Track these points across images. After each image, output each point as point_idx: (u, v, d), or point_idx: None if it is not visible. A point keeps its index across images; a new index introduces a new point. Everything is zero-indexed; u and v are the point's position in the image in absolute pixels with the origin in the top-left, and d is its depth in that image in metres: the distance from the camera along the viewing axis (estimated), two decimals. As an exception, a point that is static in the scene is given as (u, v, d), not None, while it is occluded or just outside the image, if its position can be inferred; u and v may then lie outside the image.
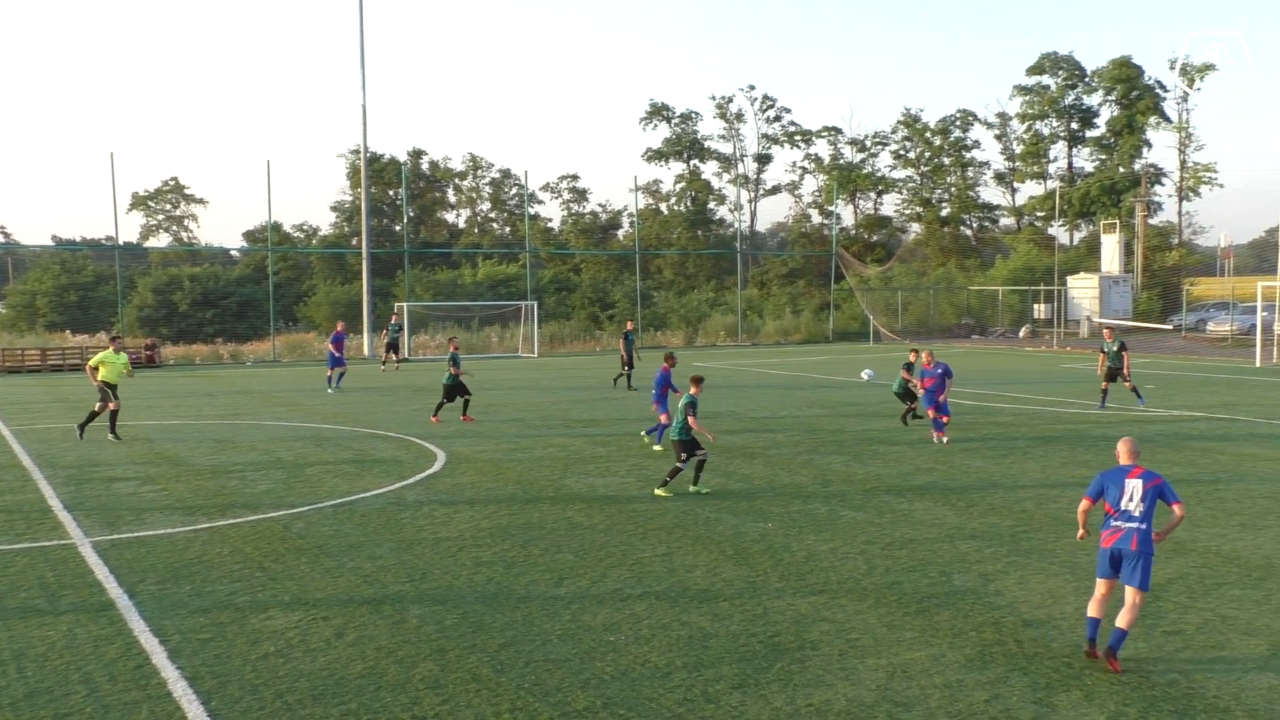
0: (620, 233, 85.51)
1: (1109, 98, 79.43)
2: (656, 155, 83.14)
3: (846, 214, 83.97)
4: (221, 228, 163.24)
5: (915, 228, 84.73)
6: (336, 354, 31.70)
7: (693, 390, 15.64)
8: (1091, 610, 8.59)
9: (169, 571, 11.34)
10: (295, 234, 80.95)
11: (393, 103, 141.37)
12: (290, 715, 7.57)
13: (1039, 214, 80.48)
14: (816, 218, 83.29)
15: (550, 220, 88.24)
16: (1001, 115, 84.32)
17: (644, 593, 10.42)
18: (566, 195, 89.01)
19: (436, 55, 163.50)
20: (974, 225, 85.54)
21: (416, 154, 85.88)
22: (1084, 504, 9.02)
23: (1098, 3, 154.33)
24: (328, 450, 19.82)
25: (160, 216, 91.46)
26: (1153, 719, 7.38)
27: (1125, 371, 24.26)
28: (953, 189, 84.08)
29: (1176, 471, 16.71)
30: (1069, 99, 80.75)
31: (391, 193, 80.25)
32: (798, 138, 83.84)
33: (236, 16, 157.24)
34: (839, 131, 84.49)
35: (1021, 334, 58.75)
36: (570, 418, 24.40)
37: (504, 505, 14.66)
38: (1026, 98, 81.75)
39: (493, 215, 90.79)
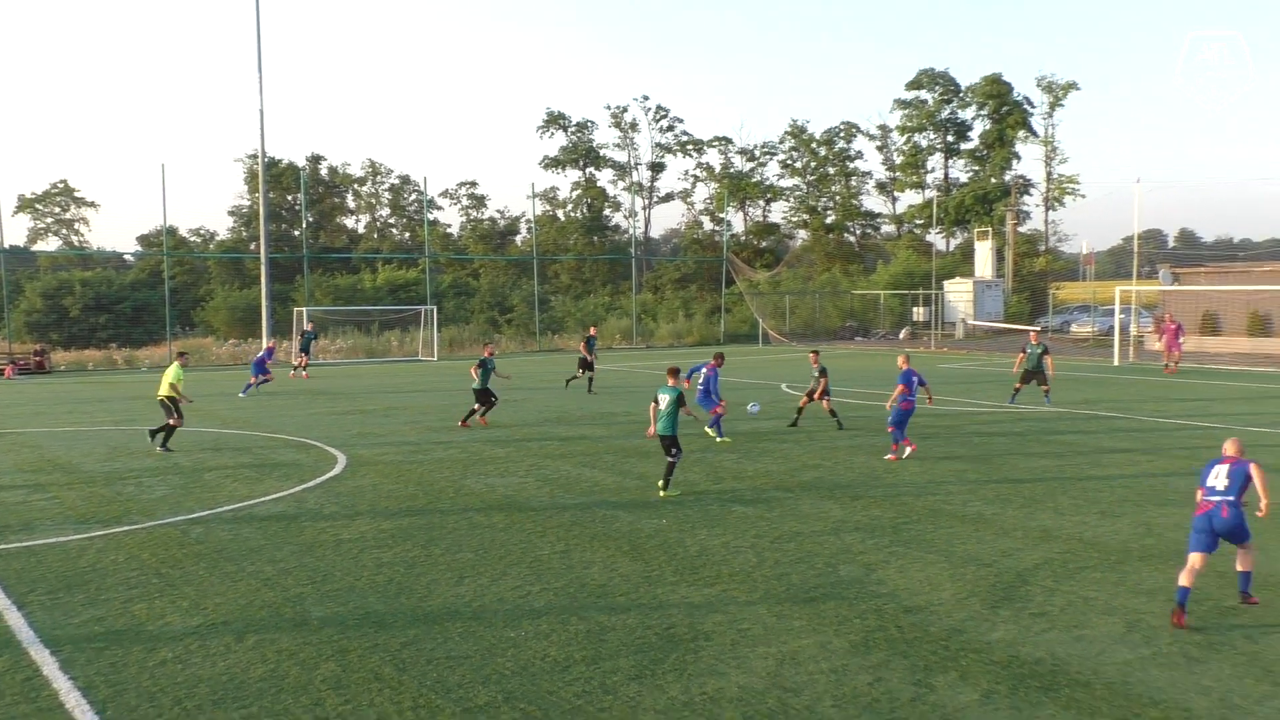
0: (518, 238, 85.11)
1: (981, 113, 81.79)
2: (553, 163, 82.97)
3: (737, 221, 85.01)
4: (114, 231, 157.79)
5: (802, 234, 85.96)
6: (263, 364, 32.17)
7: (670, 382, 15.30)
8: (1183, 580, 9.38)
9: (60, 581, 10.93)
10: (192, 238, 78.75)
11: (291, 108, 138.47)
12: None
13: (918, 222, 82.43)
14: (708, 224, 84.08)
15: (449, 226, 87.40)
16: (882, 128, 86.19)
17: (543, 589, 10.40)
18: (465, 201, 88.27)
19: (336, 61, 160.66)
20: (857, 232, 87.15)
21: (315, 159, 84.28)
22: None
23: (971, 23, 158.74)
24: (226, 455, 19.32)
25: (49, 220, 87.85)
26: (1021, 695, 7.63)
27: (1049, 374, 25.13)
28: (837, 197, 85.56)
29: (1043, 465, 17.29)
30: (945, 113, 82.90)
31: (290, 198, 78.55)
32: (690, 147, 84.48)
33: (129, 19, 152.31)
34: (729, 141, 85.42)
35: (902, 335, 60.08)
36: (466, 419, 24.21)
37: (405, 506, 14.48)
38: (906, 111, 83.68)
39: (392, 221, 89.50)
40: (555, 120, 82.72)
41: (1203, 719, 7.25)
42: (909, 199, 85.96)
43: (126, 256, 74.77)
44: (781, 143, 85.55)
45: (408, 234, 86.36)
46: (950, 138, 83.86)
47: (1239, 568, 9.87)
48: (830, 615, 9.50)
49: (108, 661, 8.52)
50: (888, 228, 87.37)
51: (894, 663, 8.31)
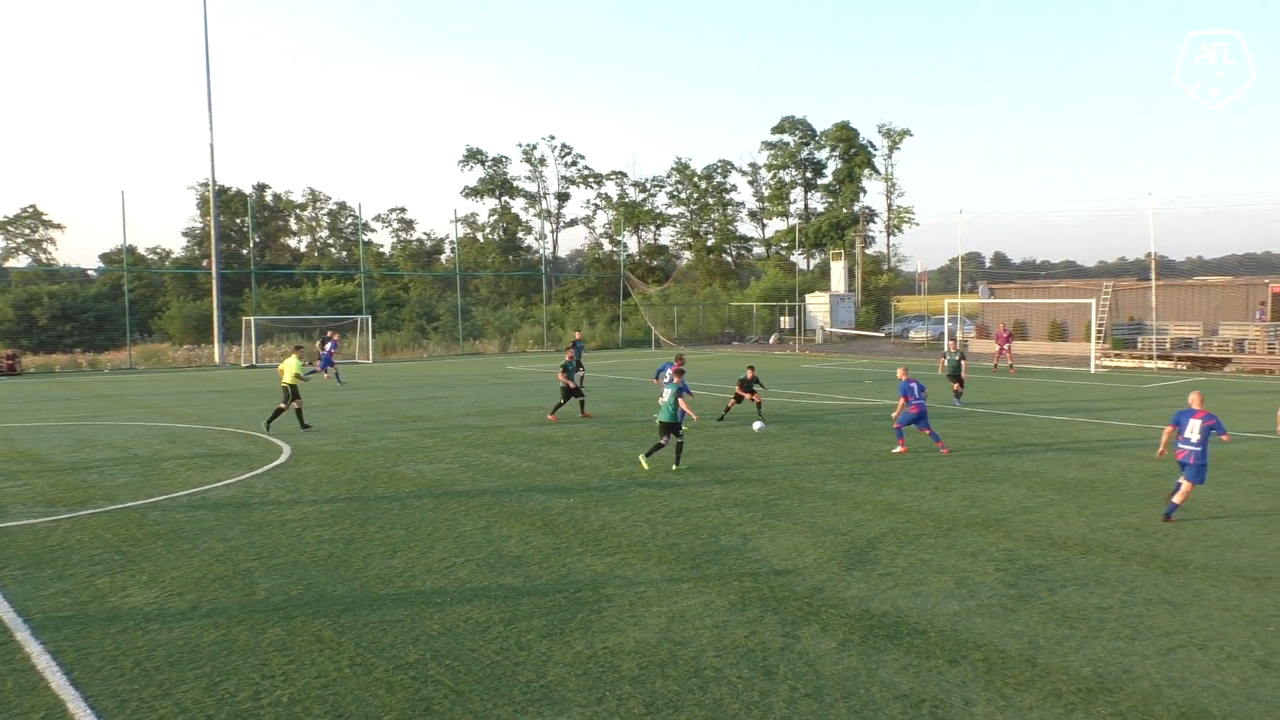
0: (443, 257, 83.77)
1: (834, 153, 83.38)
2: (473, 192, 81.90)
3: (632, 243, 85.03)
4: (79, 250, 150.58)
5: (687, 255, 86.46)
6: (329, 359, 33.38)
7: (676, 379, 15.76)
8: (1175, 499, 11.87)
9: (31, 558, 10.41)
10: (150, 256, 75.64)
11: (239, 141, 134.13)
12: (148, 680, 7.09)
13: (783, 245, 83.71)
14: (607, 246, 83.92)
15: (382, 246, 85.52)
16: (753, 165, 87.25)
17: (466, 560, 10.25)
18: (396, 224, 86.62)
19: (280, 99, 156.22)
20: (733, 253, 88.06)
21: (261, 187, 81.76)
22: (1167, 430, 12.26)
23: (824, 79, 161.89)
24: (181, 446, 18.61)
25: (19, 240, 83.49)
26: (871, 642, 7.78)
27: (964, 377, 24.75)
28: (716, 224, 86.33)
29: (888, 449, 17.68)
30: (804, 154, 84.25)
31: (239, 220, 76.05)
32: (591, 179, 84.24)
33: (93, 61, 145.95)
34: (625, 175, 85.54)
35: (772, 340, 60.87)
36: (402, 415, 23.76)
37: (344, 490, 14.13)
38: (771, 152, 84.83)
39: (331, 241, 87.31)
40: (474, 155, 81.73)
41: (1015, 658, 7.49)
42: (776, 225, 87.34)
43: (90, 272, 71.30)
44: (668, 177, 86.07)
45: (345, 252, 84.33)
46: (809, 174, 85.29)
47: (1176, 500, 11.88)
48: (713, 578, 9.56)
49: (75, 629, 8.13)
50: (758, 249, 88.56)
51: (766, 618, 8.40)
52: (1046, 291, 48.63)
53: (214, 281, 46.23)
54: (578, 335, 31.54)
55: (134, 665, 7.37)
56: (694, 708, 6.63)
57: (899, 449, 17.33)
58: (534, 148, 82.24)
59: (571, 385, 22.57)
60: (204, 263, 69.13)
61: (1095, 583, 9.36)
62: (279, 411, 20.84)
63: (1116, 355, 40.21)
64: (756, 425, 19.29)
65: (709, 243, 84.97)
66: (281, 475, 15.41)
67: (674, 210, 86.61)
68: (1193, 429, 11.78)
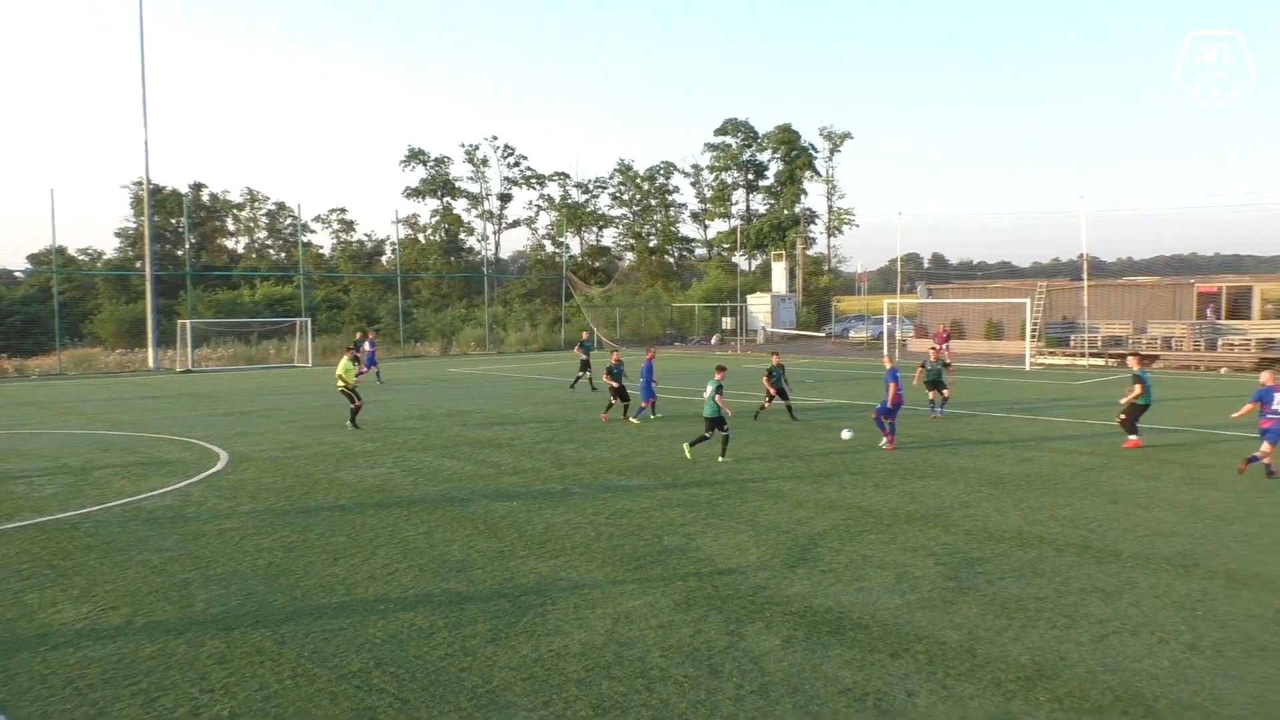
0: (384, 258, 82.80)
1: (775, 155, 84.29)
2: (415, 193, 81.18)
3: (574, 244, 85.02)
4: (5, 251, 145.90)
5: (629, 256, 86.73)
6: (373, 357, 33.91)
7: (717, 377, 16.73)
8: (1267, 461, 14.39)
9: (-46, 574, 10.03)
10: (80, 257, 73.52)
11: (174, 139, 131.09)
12: (81, 699, 6.88)
13: (725, 246, 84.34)
14: (550, 247, 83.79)
15: (322, 247, 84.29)
16: (695, 167, 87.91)
17: (409, 566, 10.14)
18: (336, 225, 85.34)
19: (217, 96, 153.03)
20: (675, 254, 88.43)
21: (197, 187, 79.98)
22: (1248, 406, 14.85)
23: (767, 81, 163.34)
24: (115, 455, 18.12)
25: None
26: (815, 638, 7.86)
27: (949, 383, 24.10)
28: (658, 225, 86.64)
29: (829, 447, 17.88)
30: (746, 155, 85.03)
31: (174, 221, 74.34)
32: (533, 181, 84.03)
33: (20, 55, 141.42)
34: (567, 176, 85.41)
35: (713, 341, 61.20)
36: (342, 419, 23.38)
37: (283, 497, 13.88)
38: (714, 153, 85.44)
39: (269, 242, 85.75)
40: (415, 156, 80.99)
41: (955, 649, 7.63)
42: (718, 227, 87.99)
43: (17, 274, 68.97)
44: (611, 178, 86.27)
45: (284, 254, 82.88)
46: (750, 176, 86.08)
47: (1268, 461, 14.38)
48: (657, 579, 9.57)
49: (1, 649, 7.85)
50: (700, 251, 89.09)
51: (711, 617, 8.43)
52: (983, 291, 49.63)
53: (148, 283, 45.11)
54: (585, 335, 31.30)
55: (66, 684, 7.15)
56: (641, 708, 6.64)
57: (887, 442, 17.51)
58: (476, 148, 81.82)
59: (616, 386, 22.58)
60: (137, 264, 67.41)
61: (1032, 574, 9.57)
62: (356, 409, 21.50)
63: (1050, 353, 41.19)
64: (845, 433, 18.55)
65: (651, 244, 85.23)
66: (219, 483, 15.09)
67: (617, 211, 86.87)
68: (1278, 400, 14.35)
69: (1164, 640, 7.77)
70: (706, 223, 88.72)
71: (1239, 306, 43.82)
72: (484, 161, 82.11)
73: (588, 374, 29.45)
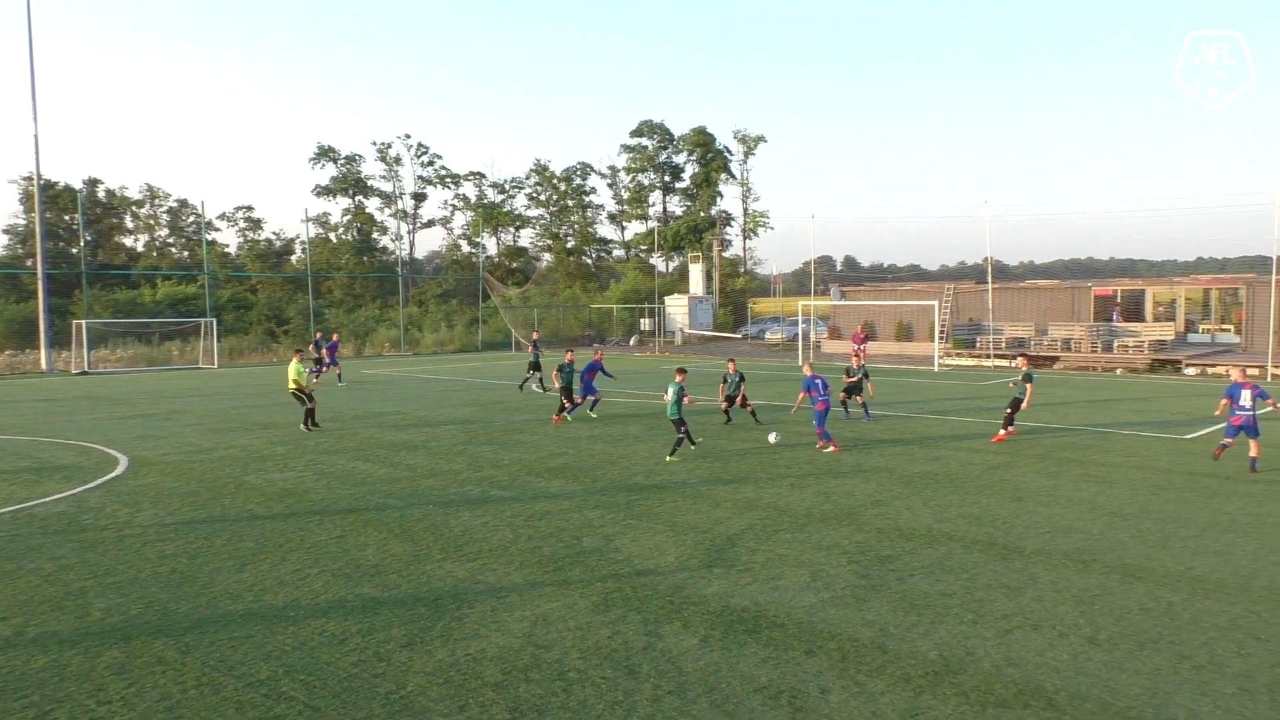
0: (294, 257, 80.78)
1: (691, 158, 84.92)
2: (325, 191, 79.39)
3: (491, 244, 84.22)
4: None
5: (547, 257, 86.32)
6: (329, 358, 33.41)
7: (678, 379, 17.14)
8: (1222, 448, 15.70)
9: None
10: (-36, 255, 69.97)
11: (68, 133, 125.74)
12: (-32, 716, 6.56)
13: (643, 247, 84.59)
14: (466, 247, 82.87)
15: (228, 246, 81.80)
16: (612, 168, 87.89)
17: (321, 571, 9.92)
18: (242, 223, 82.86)
19: (114, 90, 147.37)
20: (593, 255, 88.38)
21: (93, 182, 76.69)
22: (1223, 402, 15.60)
23: (682, 84, 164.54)
24: (4, 460, 17.28)
25: None
26: (732, 637, 7.95)
27: (869, 389, 24.11)
28: (575, 226, 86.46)
29: (746, 448, 18.09)
30: (662, 157, 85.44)
31: (67, 218, 71.25)
32: (448, 180, 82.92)
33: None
34: (483, 176, 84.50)
35: (632, 342, 61.33)
36: (250, 421, 22.78)
37: (187, 502, 13.44)
38: (631, 155, 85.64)
39: (171, 240, 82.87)
40: (325, 153, 79.27)
41: (867, 645, 7.79)
42: (635, 228, 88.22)
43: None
44: (528, 178, 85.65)
45: (187, 252, 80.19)
46: (667, 178, 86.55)
47: (1252, 454, 15.31)
48: (575, 580, 9.55)
49: (-122, 666, 7.43)
50: (618, 252, 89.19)
51: (629, 618, 8.45)
52: (894, 294, 50.85)
53: (39, 282, 43.21)
54: (536, 335, 31.22)
55: (-50, 698, 6.80)
56: (559, 711, 6.61)
57: (832, 448, 17.49)
58: (389, 146, 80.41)
59: (562, 386, 22.32)
60: (28, 262, 64.45)
61: (940, 570, 9.83)
62: (310, 412, 21.10)
63: (957, 354, 42.38)
64: (772, 437, 18.69)
65: (569, 245, 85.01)
66: (118, 488, 14.53)
67: (533, 212, 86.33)
68: (1245, 397, 15.20)
69: (1064, 634, 8.06)
70: (624, 224, 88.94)
71: (1132, 309, 45.92)
72: (397, 160, 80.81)
73: (537, 374, 29.37)
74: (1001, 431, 18.75)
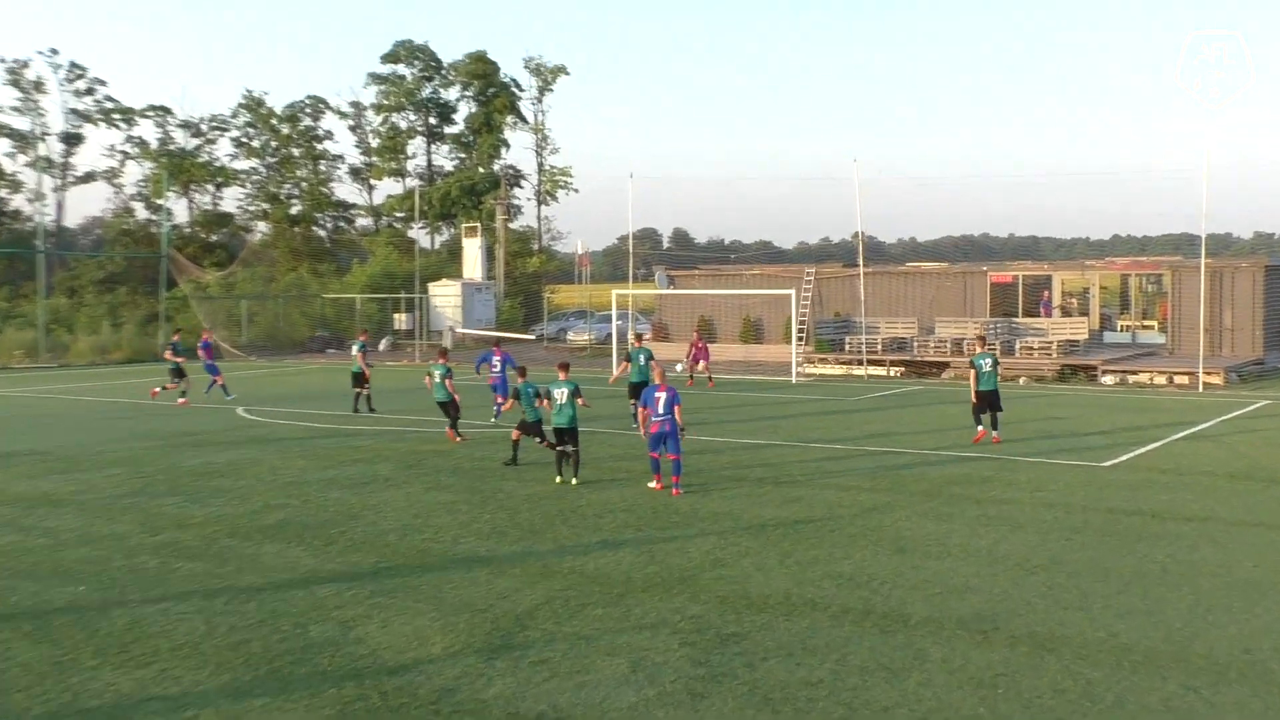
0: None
1: (466, 93, 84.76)
2: (-78, 127, 74.32)
3: (180, 209, 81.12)
4: None
5: (262, 227, 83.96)
6: (209, 360, 34.69)
7: (562, 376, 18.89)
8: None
9: None
10: None
11: None
12: None
13: (398, 214, 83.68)
14: (143, 212, 79.49)
15: None
16: (356, 105, 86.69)
17: (-92, 693, 9.11)
18: None
19: None
20: (328, 225, 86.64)
21: None
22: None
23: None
24: None
25: None
26: (523, 760, 7.81)
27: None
28: (303, 184, 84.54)
29: (541, 490, 18.05)
30: (426, 91, 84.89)
31: None
32: (117, 117, 79.25)
33: None
34: (168, 112, 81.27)
35: (383, 346, 60.36)
36: None
37: None
38: (382, 87, 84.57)
39: None
40: (-73, 72, 74.22)
41: (709, 760, 7.84)
42: (388, 188, 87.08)
43: None
44: (235, 117, 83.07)
45: None
46: (433, 120, 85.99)
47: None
48: (300, 687, 9.20)
49: None
50: (364, 221, 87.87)
51: (375, 737, 8.19)
52: (738, 280, 52.09)
53: None
54: (362, 335, 32.74)
55: None
56: None
57: (654, 483, 17.85)
58: (25, 66, 75.99)
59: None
60: None
61: (802, 651, 10.04)
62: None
63: (821, 360, 43.94)
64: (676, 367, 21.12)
65: (293, 210, 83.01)
66: None
67: (243, 164, 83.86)
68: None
69: (961, 726, 8.37)
70: (373, 182, 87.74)
71: (1035, 301, 48.79)
72: (38, 85, 76.47)
73: (365, 389, 30.23)
74: (980, 430, 22.98)
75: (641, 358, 26.17)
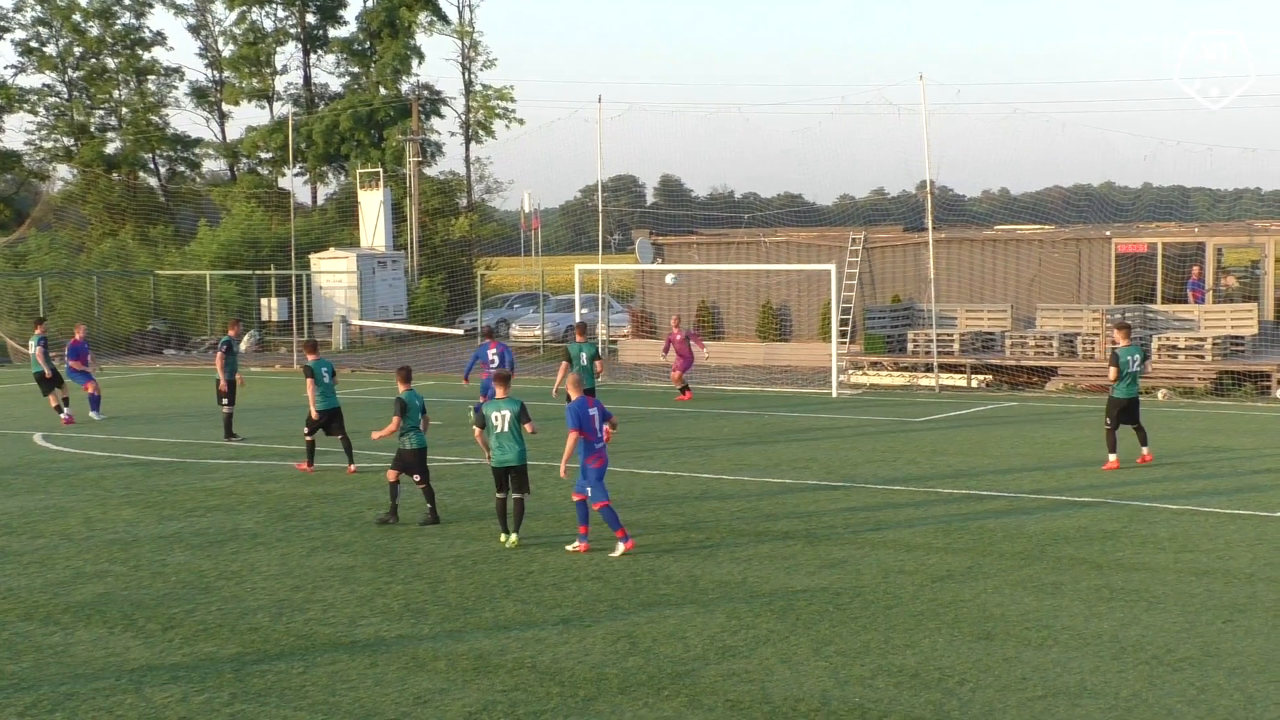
0: None
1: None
2: None
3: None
4: None
5: (63, 172, 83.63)
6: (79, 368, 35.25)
7: (501, 394, 18.72)
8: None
9: None
10: None
11: None
12: None
13: (264, 155, 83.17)
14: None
15: None
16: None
17: None
18: None
19: None
20: (162, 170, 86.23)
21: None
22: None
23: None
24: None
25: None
26: None
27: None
28: (124, 110, 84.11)
29: (473, 549, 18.08)
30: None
31: None
32: None
33: None
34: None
35: (245, 345, 59.88)
36: None
37: None
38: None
39: None
40: None
41: None
42: (248, 116, 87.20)
43: None
44: (18, 11, 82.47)
45: None
46: (311, 18, 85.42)
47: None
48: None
49: None
50: (216, 165, 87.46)
51: None
52: (753, 251, 51.58)
53: None
54: (232, 330, 32.82)
55: None
56: None
57: (578, 545, 18.06)
58: None
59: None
60: None
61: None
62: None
63: (874, 365, 43.45)
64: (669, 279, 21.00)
65: (110, 149, 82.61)
66: None
67: (34, 80, 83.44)
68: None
69: None
70: (226, 108, 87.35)
71: (1181, 279, 48.04)
72: None
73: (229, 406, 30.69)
74: (1111, 457, 23.61)
75: (584, 356, 26.42)
